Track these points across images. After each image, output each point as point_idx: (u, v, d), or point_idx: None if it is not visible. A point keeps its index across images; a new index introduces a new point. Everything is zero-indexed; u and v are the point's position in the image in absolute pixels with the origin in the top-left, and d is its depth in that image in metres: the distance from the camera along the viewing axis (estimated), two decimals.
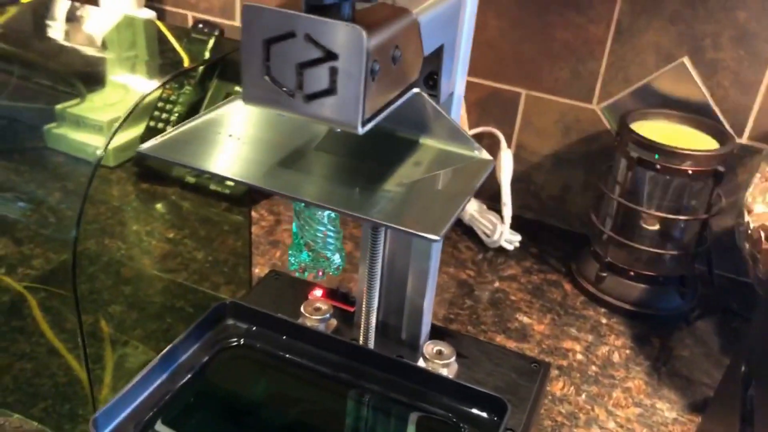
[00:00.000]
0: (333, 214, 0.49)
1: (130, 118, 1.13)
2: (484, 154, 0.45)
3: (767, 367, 0.54)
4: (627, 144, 0.87)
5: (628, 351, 0.86)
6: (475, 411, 0.53)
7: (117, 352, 0.79)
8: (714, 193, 0.86)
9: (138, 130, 1.12)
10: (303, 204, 0.48)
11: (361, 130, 0.36)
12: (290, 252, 0.53)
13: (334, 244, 0.51)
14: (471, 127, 1.03)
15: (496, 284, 0.95)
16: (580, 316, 0.91)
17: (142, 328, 0.82)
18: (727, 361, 0.83)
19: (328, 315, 0.61)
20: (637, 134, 0.86)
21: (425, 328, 0.60)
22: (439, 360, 0.57)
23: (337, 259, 0.52)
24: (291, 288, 0.66)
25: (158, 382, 0.53)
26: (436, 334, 0.61)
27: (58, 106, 1.10)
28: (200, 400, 0.54)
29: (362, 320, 0.57)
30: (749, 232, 0.75)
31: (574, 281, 0.96)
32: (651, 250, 0.90)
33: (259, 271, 0.92)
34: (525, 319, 0.89)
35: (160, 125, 1.08)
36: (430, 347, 0.58)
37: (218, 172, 0.43)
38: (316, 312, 0.60)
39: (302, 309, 0.61)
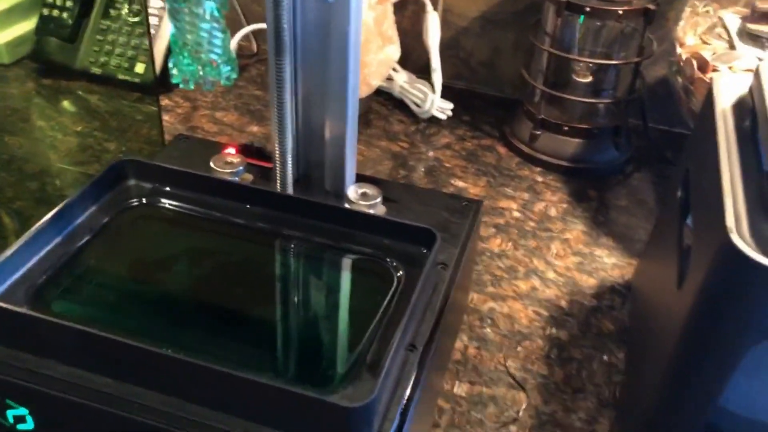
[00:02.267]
0: (216, 11, 0.44)
1: (21, 9, 1.03)
2: None
3: (702, 190, 0.51)
4: None
5: (564, 205, 0.84)
6: (403, 245, 0.50)
7: None
8: (645, 36, 0.82)
9: (32, 22, 1.03)
10: None
11: None
12: (171, 61, 0.47)
13: (221, 47, 0.45)
14: None
15: (431, 153, 0.92)
16: (516, 177, 0.88)
17: None
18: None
19: (241, 168, 0.56)
20: None
21: (350, 176, 0.56)
22: (364, 201, 0.53)
23: (225, 66, 0.46)
24: (201, 148, 0.61)
25: (52, 244, 0.48)
26: (363, 182, 0.57)
27: None
28: (101, 262, 0.49)
29: (277, 168, 0.53)
30: (681, 64, 0.73)
31: (508, 144, 0.93)
32: (584, 100, 0.87)
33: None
34: (460, 184, 0.86)
35: (55, 12, 0.99)
36: (354, 190, 0.54)
37: None
38: (227, 166, 0.55)
39: (212, 164, 0.55)
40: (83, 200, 0.50)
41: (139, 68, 0.97)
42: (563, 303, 0.71)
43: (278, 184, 0.54)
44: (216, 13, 0.44)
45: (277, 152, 0.52)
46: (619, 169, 0.90)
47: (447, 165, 0.90)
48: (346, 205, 0.53)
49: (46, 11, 0.99)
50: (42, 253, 0.47)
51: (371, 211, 0.53)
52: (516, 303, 0.70)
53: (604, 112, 0.90)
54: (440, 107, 0.96)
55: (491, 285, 0.72)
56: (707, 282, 0.43)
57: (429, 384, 0.46)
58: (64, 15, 0.98)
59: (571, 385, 0.62)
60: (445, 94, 0.97)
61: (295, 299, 0.49)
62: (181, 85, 0.47)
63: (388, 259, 0.50)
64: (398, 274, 0.49)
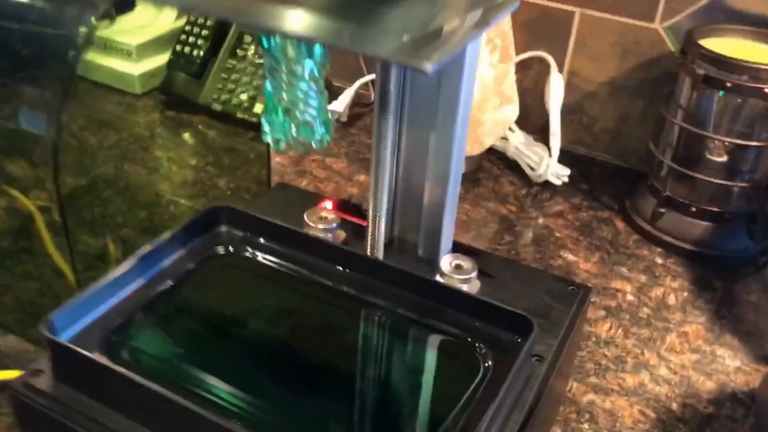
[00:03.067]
0: (316, 70, 0.42)
1: (158, 42, 1.08)
2: None
3: None
4: (693, 60, 0.76)
5: (686, 294, 0.76)
6: (495, 330, 0.45)
7: None
8: None
9: (166, 56, 1.07)
10: (277, 53, 0.41)
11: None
12: (264, 119, 0.45)
13: (317, 108, 0.43)
14: (519, 51, 0.94)
15: (540, 220, 0.86)
16: (633, 256, 0.81)
17: None
18: None
19: (334, 225, 0.54)
20: (705, 48, 0.75)
21: (445, 244, 0.53)
22: (457, 275, 0.49)
23: (320, 128, 0.44)
24: (300, 199, 0.59)
25: (134, 287, 0.47)
26: (459, 252, 0.53)
27: (85, 30, 1.06)
28: (181, 310, 0.48)
29: (369, 228, 0.50)
30: None
31: (627, 219, 0.87)
32: (717, 182, 0.80)
33: None
34: (570, 257, 0.80)
35: (187, 49, 1.02)
36: (447, 260, 0.50)
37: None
38: (320, 221, 0.53)
39: (305, 218, 0.54)
40: (172, 244, 0.50)
41: (258, 108, 0.98)
42: (674, 406, 0.63)
43: (368, 246, 0.52)
44: (315, 73, 0.42)
45: (371, 212, 0.49)
46: (752, 259, 0.81)
47: (557, 235, 0.84)
48: (438, 278, 0.50)
49: (179, 47, 1.03)
50: (122, 295, 0.47)
51: (464, 287, 0.49)
52: (620, 399, 0.64)
53: (739, 196, 0.81)
54: (556, 172, 0.91)
55: (594, 375, 0.66)
56: None
57: None
58: (195, 52, 1.02)
59: None
60: (564, 159, 0.92)
61: (372, 374, 0.46)
62: (272, 145, 0.45)
63: (477, 344, 0.45)
64: (486, 363, 0.44)
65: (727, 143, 0.79)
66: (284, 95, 0.42)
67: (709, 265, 0.80)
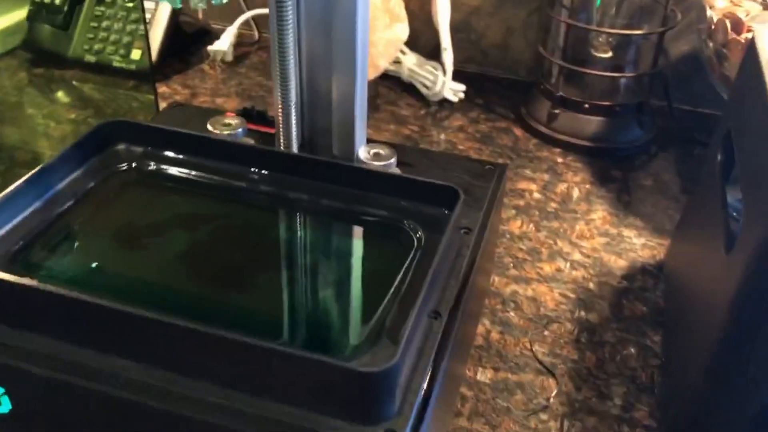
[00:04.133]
0: None
1: None
2: None
3: (750, 143, 0.47)
4: None
5: (588, 186, 0.79)
6: (422, 206, 0.45)
7: None
8: (669, 6, 0.78)
9: (23, 10, 0.98)
10: None
11: None
12: None
13: None
14: None
15: (443, 136, 0.87)
16: (535, 158, 0.83)
17: None
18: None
19: (240, 131, 0.51)
20: None
21: (360, 139, 0.51)
22: (377, 161, 0.48)
23: None
24: (197, 115, 0.56)
25: (29, 209, 0.43)
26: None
27: None
28: (85, 228, 0.44)
29: (279, 126, 0.48)
30: (712, 27, 0.68)
31: (525, 125, 0.88)
32: (605, 74, 0.82)
33: None
34: None
35: (47, 0, 0.94)
36: (365, 150, 0.49)
37: None
38: (226, 128, 0.51)
39: (209, 126, 0.51)
40: (64, 163, 0.46)
41: (135, 55, 0.92)
42: (592, 285, 0.66)
43: (281, 145, 0.49)
44: None
45: (280, 114, 0.47)
46: (644, 148, 0.85)
47: (461, 147, 0.85)
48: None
49: None
50: (18, 218, 0.42)
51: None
52: (541, 286, 0.65)
53: (626, 89, 0.85)
54: (452, 87, 0.91)
55: (513, 267, 0.67)
56: (766, 237, 0.38)
57: (455, 355, 0.40)
58: (57, 1, 0.94)
59: (605, 370, 0.57)
60: (457, 78, 0.92)
61: (305, 266, 0.44)
62: (169, 4, 0.42)
63: (406, 222, 0.45)
64: (417, 236, 0.44)
65: (611, 38, 0.82)
66: None
67: (606, 157, 0.83)
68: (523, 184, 0.79)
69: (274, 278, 0.43)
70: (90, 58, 0.94)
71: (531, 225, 0.73)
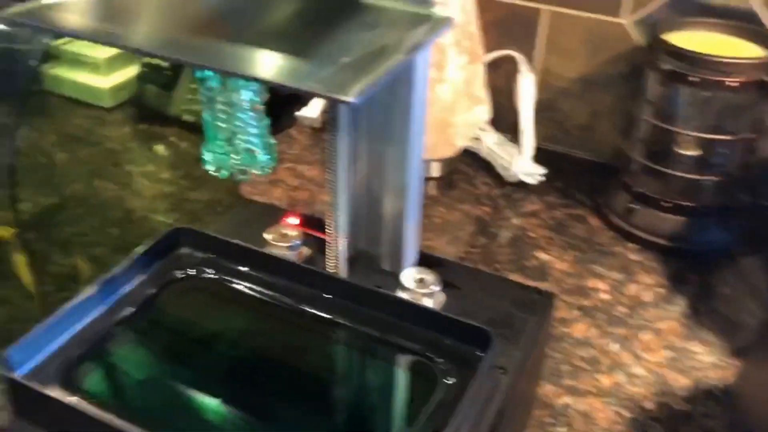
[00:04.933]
0: (256, 96, 0.41)
1: (127, 55, 1.07)
2: (442, 11, 0.36)
3: None
4: (658, 56, 0.76)
5: (661, 290, 0.76)
6: (456, 344, 0.45)
7: None
8: (760, 109, 0.74)
9: (134, 68, 1.06)
10: (213, 82, 0.41)
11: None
12: (204, 149, 0.45)
13: (258, 136, 0.43)
14: (488, 50, 0.93)
15: (515, 221, 0.86)
16: (607, 253, 0.81)
17: None
18: None
19: (297, 242, 0.53)
20: (670, 44, 0.75)
21: (410, 256, 0.52)
22: (420, 289, 0.49)
23: (263, 154, 0.44)
24: (264, 214, 0.59)
25: (93, 316, 0.47)
26: (426, 263, 0.53)
27: (54, 43, 1.05)
28: (143, 337, 0.47)
29: (330, 244, 0.50)
30: None
31: (601, 216, 0.86)
32: (688, 176, 0.80)
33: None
34: (544, 257, 0.80)
35: (155, 61, 1.02)
36: (410, 274, 0.50)
37: (97, 37, 0.35)
38: (282, 239, 0.53)
39: (265, 235, 0.53)
40: (132, 269, 0.49)
41: None
42: (650, 404, 0.63)
43: (330, 264, 0.51)
44: (254, 100, 0.42)
45: (330, 229, 0.49)
46: (726, 252, 0.81)
47: (532, 235, 0.84)
48: (400, 293, 0.49)
49: (148, 59, 1.02)
50: (82, 325, 0.46)
51: (427, 300, 0.49)
52: (596, 400, 0.64)
53: (712, 189, 0.81)
54: (529, 171, 0.91)
55: (569, 377, 0.66)
56: None
57: None
58: (164, 63, 1.01)
59: None
60: (538, 157, 0.92)
61: (335, 393, 0.45)
62: (212, 173, 0.45)
63: (438, 359, 0.45)
64: (447, 378, 0.44)
65: (696, 138, 0.79)
66: (223, 125, 0.42)
67: (683, 259, 0.80)
68: (591, 282, 0.77)
69: (307, 404, 0.44)
70: (188, 118, 1.00)
71: (594, 330, 0.71)
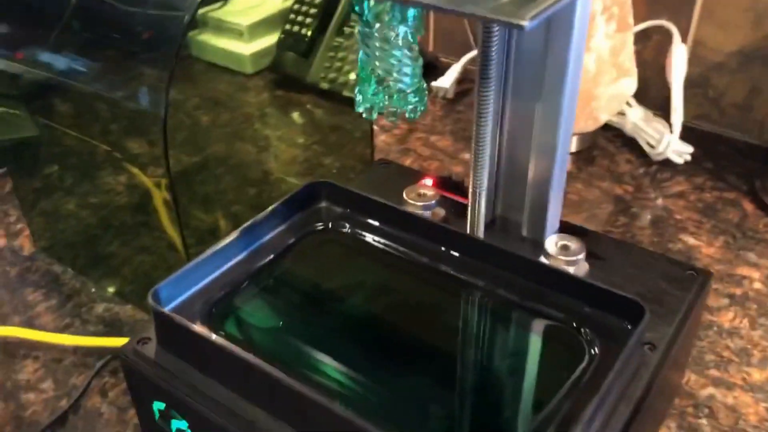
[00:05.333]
0: (410, 35, 0.40)
1: (268, 22, 1.10)
2: None
3: None
4: None
5: None
6: (603, 315, 0.43)
7: None
8: None
9: (275, 36, 1.08)
10: (369, 17, 0.39)
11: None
12: (357, 89, 0.44)
13: (411, 76, 0.42)
14: (638, 20, 0.88)
15: (659, 201, 0.81)
16: (762, 240, 0.75)
17: None
18: None
19: (433, 202, 0.52)
20: None
21: (551, 224, 0.50)
22: (563, 256, 0.47)
23: (413, 96, 0.42)
24: (399, 176, 0.58)
25: (235, 260, 0.48)
26: (569, 233, 0.50)
27: (201, 11, 1.09)
28: (280, 283, 0.48)
29: (469, 206, 0.48)
30: None
31: (757, 200, 0.80)
32: None
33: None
34: (691, 241, 0.75)
35: (296, 28, 1.03)
36: (553, 240, 0.48)
37: None
38: (419, 198, 0.52)
39: (404, 195, 0.52)
40: (272, 218, 0.50)
41: None
42: None
43: (468, 225, 0.50)
44: (409, 39, 0.41)
45: (471, 188, 0.47)
46: None
47: (678, 217, 0.79)
48: (542, 258, 0.47)
49: (288, 26, 1.04)
50: (224, 268, 0.47)
51: (570, 269, 0.46)
52: (745, 395, 0.59)
53: None
54: (677, 149, 0.85)
55: (715, 367, 0.61)
56: None
57: None
58: (303, 31, 1.02)
59: None
60: (687, 136, 0.86)
61: (472, 358, 0.44)
62: (364, 115, 0.44)
63: (583, 330, 0.43)
64: (593, 350, 0.42)
65: None
66: (377, 63, 0.41)
67: None
68: (743, 270, 0.71)
69: (442, 367, 0.43)
70: (324, 86, 1.01)
71: (745, 320, 0.66)
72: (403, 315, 0.47)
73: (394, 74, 0.41)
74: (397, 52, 0.41)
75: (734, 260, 0.73)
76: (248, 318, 0.46)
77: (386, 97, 0.42)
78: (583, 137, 0.89)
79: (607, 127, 0.90)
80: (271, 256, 0.49)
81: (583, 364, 0.41)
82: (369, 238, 0.51)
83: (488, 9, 0.29)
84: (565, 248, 0.47)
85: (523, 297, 0.45)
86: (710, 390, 0.59)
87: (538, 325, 0.45)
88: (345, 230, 0.52)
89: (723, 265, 0.72)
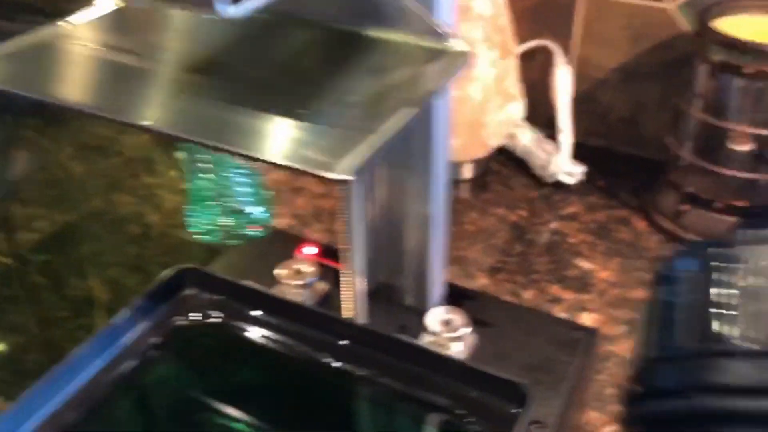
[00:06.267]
0: None
1: None
2: (460, 45, 0.31)
3: None
4: (707, 45, 0.69)
5: None
6: (488, 397, 0.41)
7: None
8: None
9: None
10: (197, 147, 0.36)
11: (227, 12, 0.24)
12: (188, 211, 0.41)
13: (253, 192, 0.39)
14: (521, 40, 0.87)
15: (553, 225, 0.81)
16: (656, 259, 0.75)
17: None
18: None
19: (313, 279, 0.49)
20: (719, 32, 0.68)
21: (435, 291, 0.48)
22: (447, 333, 0.44)
23: (258, 211, 0.39)
24: (278, 243, 0.54)
25: (90, 373, 0.43)
26: (455, 296, 0.48)
27: None
28: (145, 396, 0.44)
29: (346, 283, 0.45)
30: None
31: (648, 218, 0.80)
32: (742, 174, 0.73)
33: (276, 222, 0.81)
34: (586, 265, 0.75)
35: None
36: (435, 316, 0.45)
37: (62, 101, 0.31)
38: (296, 276, 0.49)
39: (277, 273, 0.49)
40: (132, 318, 0.46)
41: None
42: None
43: (344, 302, 0.47)
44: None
45: (347, 271, 0.45)
46: None
47: (572, 241, 0.78)
48: (424, 337, 0.45)
49: None
50: (78, 385, 0.43)
51: (456, 345, 0.44)
52: None
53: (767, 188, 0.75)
54: (568, 170, 0.85)
55: (615, 402, 0.61)
56: None
57: None
58: None
59: None
60: (578, 153, 0.86)
61: None
62: (203, 238, 0.41)
63: (467, 417, 0.41)
64: None
65: (750, 133, 0.72)
66: (208, 185, 0.37)
67: None
68: (638, 292, 0.72)
69: None
70: None
71: None
72: (284, 413, 0.44)
73: (227, 195, 0.38)
74: (227, 174, 0.37)
75: (629, 282, 0.73)
76: None
77: (225, 217, 0.39)
78: (477, 163, 0.88)
79: (500, 150, 0.90)
80: (135, 363, 0.45)
81: None
82: (241, 329, 0.47)
83: (307, 162, 0.26)
84: (447, 324, 0.45)
85: (406, 384, 0.43)
86: (612, 428, 0.59)
87: (422, 415, 0.43)
88: (215, 321, 0.48)
89: (618, 288, 0.72)
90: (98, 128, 1.01)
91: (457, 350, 0.44)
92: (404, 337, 0.43)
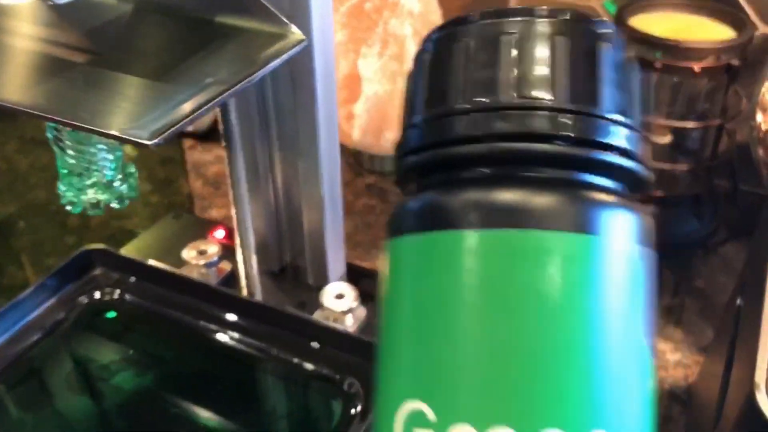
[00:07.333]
0: None
1: None
2: (294, 31, 0.33)
3: (755, 286, 0.41)
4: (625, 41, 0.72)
5: None
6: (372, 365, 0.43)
7: None
8: (729, 94, 0.70)
9: None
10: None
11: None
12: (59, 185, 0.43)
13: (113, 166, 0.41)
14: None
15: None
16: None
17: None
18: None
19: (216, 259, 0.51)
20: (633, 29, 0.71)
21: (335, 270, 0.50)
22: (338, 307, 0.47)
23: (121, 185, 0.42)
24: (190, 228, 0.56)
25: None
26: (354, 275, 0.50)
27: None
28: (49, 367, 0.46)
29: (238, 261, 0.47)
30: (761, 136, 0.61)
31: None
32: (659, 165, 0.76)
33: (216, 213, 0.83)
34: None
35: None
36: (331, 290, 0.48)
37: None
38: (200, 256, 0.51)
39: (183, 254, 0.51)
40: (40, 293, 0.48)
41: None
42: None
43: (242, 280, 0.49)
44: None
45: (237, 249, 0.47)
46: (701, 243, 0.77)
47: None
48: (319, 311, 0.47)
49: None
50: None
51: (348, 317, 0.46)
52: None
53: (684, 179, 0.78)
54: None
55: None
56: None
57: None
58: None
59: None
60: None
61: (245, 426, 0.43)
62: (67, 208, 0.43)
63: (348, 381, 0.43)
64: (358, 403, 0.42)
65: (666, 125, 0.75)
66: (73, 161, 0.40)
67: (656, 252, 0.77)
68: None
69: None
70: None
71: None
72: (181, 391, 0.46)
73: (94, 168, 0.40)
74: (91, 148, 0.39)
75: None
76: (8, 410, 0.43)
77: (91, 189, 0.41)
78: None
79: None
80: (38, 335, 0.47)
81: (351, 420, 0.41)
82: (144, 306, 0.49)
83: (115, 127, 0.28)
84: (340, 296, 0.47)
85: (300, 356, 0.45)
86: None
87: (309, 383, 0.45)
88: (119, 299, 0.50)
89: None
90: (45, 123, 1.02)
91: (349, 324, 0.47)
92: (293, 311, 0.45)
